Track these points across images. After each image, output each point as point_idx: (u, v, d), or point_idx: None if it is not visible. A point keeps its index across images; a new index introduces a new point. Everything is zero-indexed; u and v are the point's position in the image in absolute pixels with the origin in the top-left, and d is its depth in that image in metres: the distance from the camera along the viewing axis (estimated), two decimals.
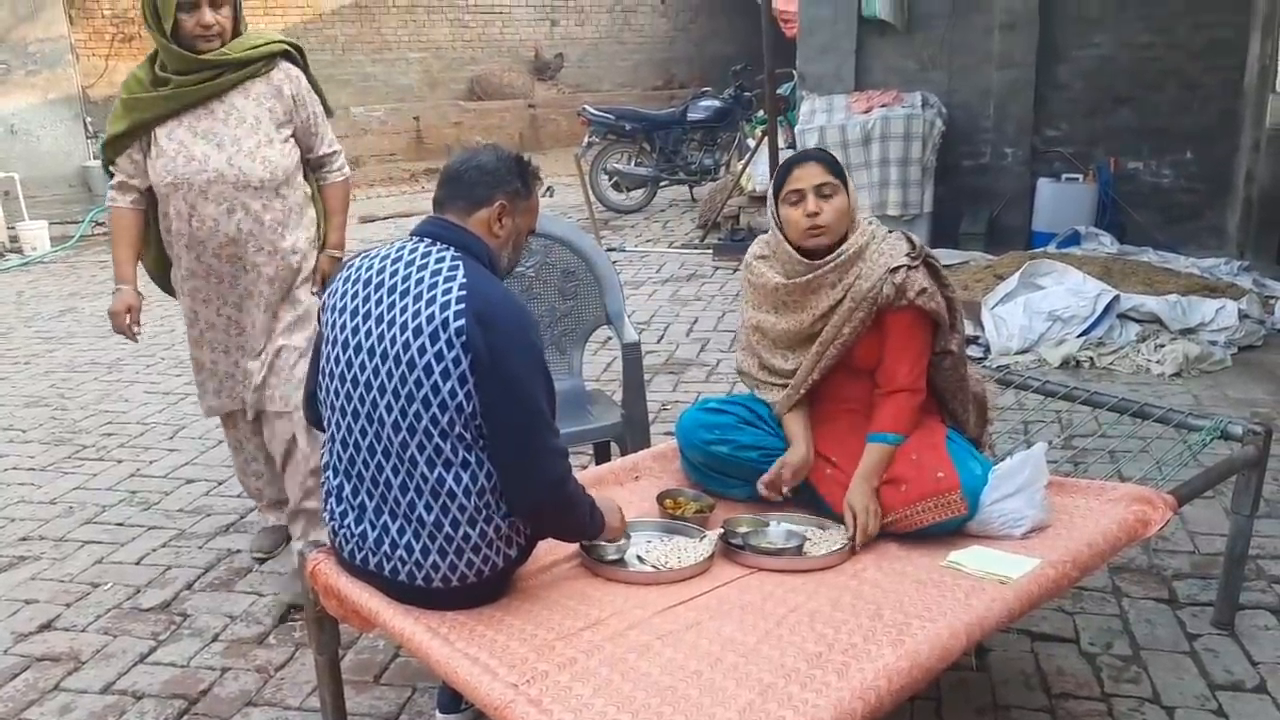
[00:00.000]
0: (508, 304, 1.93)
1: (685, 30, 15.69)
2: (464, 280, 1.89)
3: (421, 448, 1.89)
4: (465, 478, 1.90)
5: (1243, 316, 4.93)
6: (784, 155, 7.08)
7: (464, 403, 1.87)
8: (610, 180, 9.60)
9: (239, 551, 3.29)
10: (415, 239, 2.03)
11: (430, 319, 1.86)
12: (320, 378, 2.07)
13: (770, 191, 2.46)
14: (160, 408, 4.76)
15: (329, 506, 2.08)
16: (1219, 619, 2.64)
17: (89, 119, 10.62)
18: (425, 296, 1.89)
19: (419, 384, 1.87)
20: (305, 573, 2.10)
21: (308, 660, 2.60)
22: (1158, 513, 2.22)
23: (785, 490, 2.39)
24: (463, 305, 1.86)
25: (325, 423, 2.08)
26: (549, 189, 10.88)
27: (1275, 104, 6.15)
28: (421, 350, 1.86)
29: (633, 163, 9.64)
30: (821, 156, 2.42)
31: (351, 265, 2.07)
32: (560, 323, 3.41)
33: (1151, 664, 2.50)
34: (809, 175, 2.36)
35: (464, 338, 1.84)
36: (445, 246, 1.97)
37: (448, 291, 1.88)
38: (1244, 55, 6.63)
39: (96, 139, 10.68)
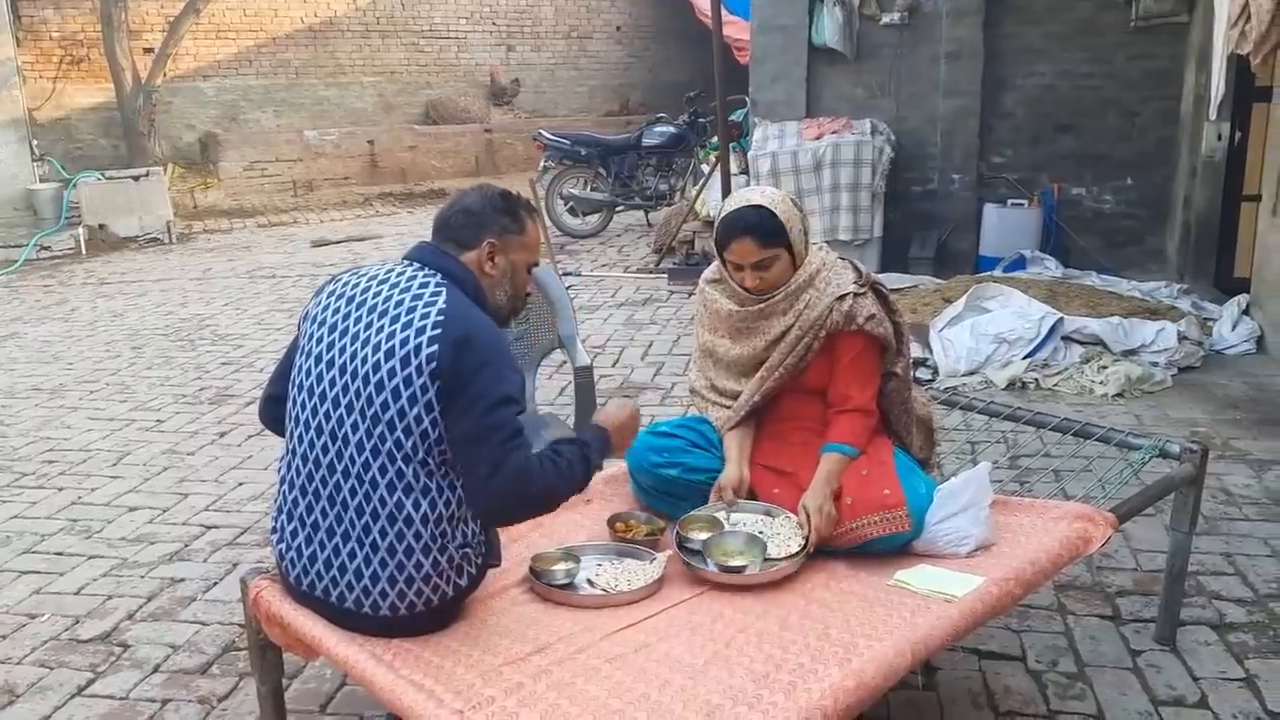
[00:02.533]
0: (484, 330, 1.92)
1: (640, 57, 15.81)
2: (443, 306, 1.90)
3: (384, 470, 1.88)
4: (424, 504, 1.89)
5: (1182, 338, 5.05)
6: (738, 183, 7.17)
7: (429, 429, 1.86)
8: (566, 205, 9.62)
9: (182, 580, 3.22)
10: (405, 262, 2.03)
11: (404, 342, 1.86)
12: (290, 388, 2.05)
13: (714, 241, 2.47)
14: (103, 434, 4.66)
15: (279, 523, 2.04)
16: (1161, 635, 2.69)
17: (35, 142, 10.44)
18: (402, 319, 1.89)
19: (385, 406, 1.86)
20: (247, 600, 2.06)
21: (252, 690, 2.54)
22: (1099, 530, 2.27)
23: (728, 506, 2.40)
24: (438, 331, 1.86)
25: (287, 434, 2.05)
26: None
27: (1209, 131, 6.34)
28: (391, 373, 1.86)
29: (588, 188, 9.68)
30: (754, 225, 2.35)
31: (339, 280, 2.07)
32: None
33: (1096, 680, 2.54)
34: (744, 252, 2.37)
35: (434, 364, 1.84)
36: (432, 272, 1.98)
37: (425, 316, 1.88)
38: (1180, 85, 6.84)
39: (43, 162, 10.51)
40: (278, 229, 11.08)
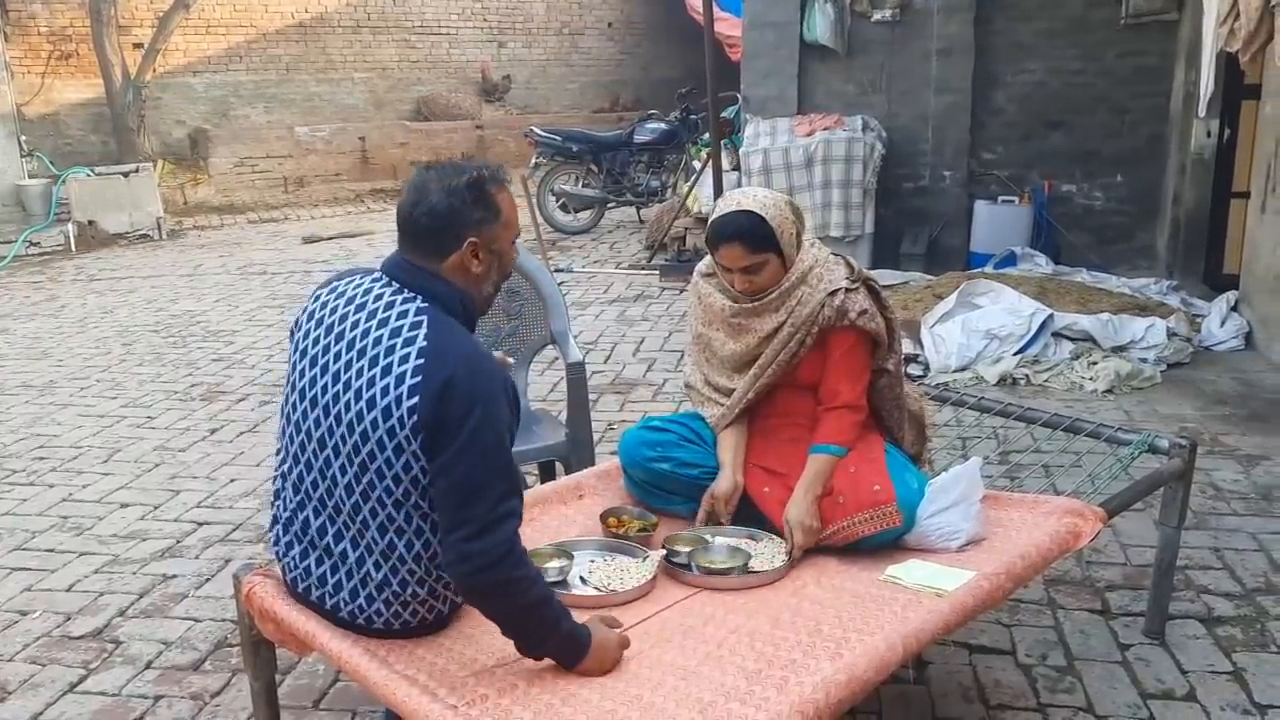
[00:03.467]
0: (471, 368, 1.76)
1: (632, 53, 15.80)
2: (423, 345, 1.76)
3: (374, 514, 1.83)
4: (417, 544, 1.85)
5: (1171, 335, 5.08)
6: (729, 180, 7.18)
7: (419, 476, 1.79)
8: (558, 201, 9.62)
9: (174, 577, 3.22)
10: (381, 278, 1.90)
11: (384, 391, 1.75)
12: (283, 403, 1.98)
13: (706, 240, 2.47)
14: (94, 430, 4.65)
15: (275, 533, 2.03)
16: (1150, 629, 2.71)
17: (24, 137, 10.38)
18: (381, 363, 1.77)
19: (372, 456, 1.79)
20: (240, 596, 2.06)
21: (245, 686, 2.55)
22: (1088, 525, 2.28)
23: (723, 520, 2.41)
24: (418, 379, 1.73)
25: (280, 450, 1.99)
26: None
27: (1199, 129, 6.37)
28: (374, 425, 1.77)
29: (580, 184, 9.67)
30: (744, 230, 2.33)
31: (319, 295, 1.96)
32: (505, 342, 3.40)
33: (1085, 674, 2.55)
34: (733, 257, 2.37)
35: (415, 418, 1.73)
36: (411, 295, 1.84)
37: (404, 360, 1.76)
38: (1170, 82, 6.87)
39: (32, 157, 10.46)
40: (268, 225, 11.05)
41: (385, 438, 1.77)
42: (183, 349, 6.08)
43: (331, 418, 1.83)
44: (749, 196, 2.40)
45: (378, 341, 1.80)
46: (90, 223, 9.94)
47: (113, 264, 9.06)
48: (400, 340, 1.78)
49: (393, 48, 13.90)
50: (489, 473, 1.75)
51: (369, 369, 1.79)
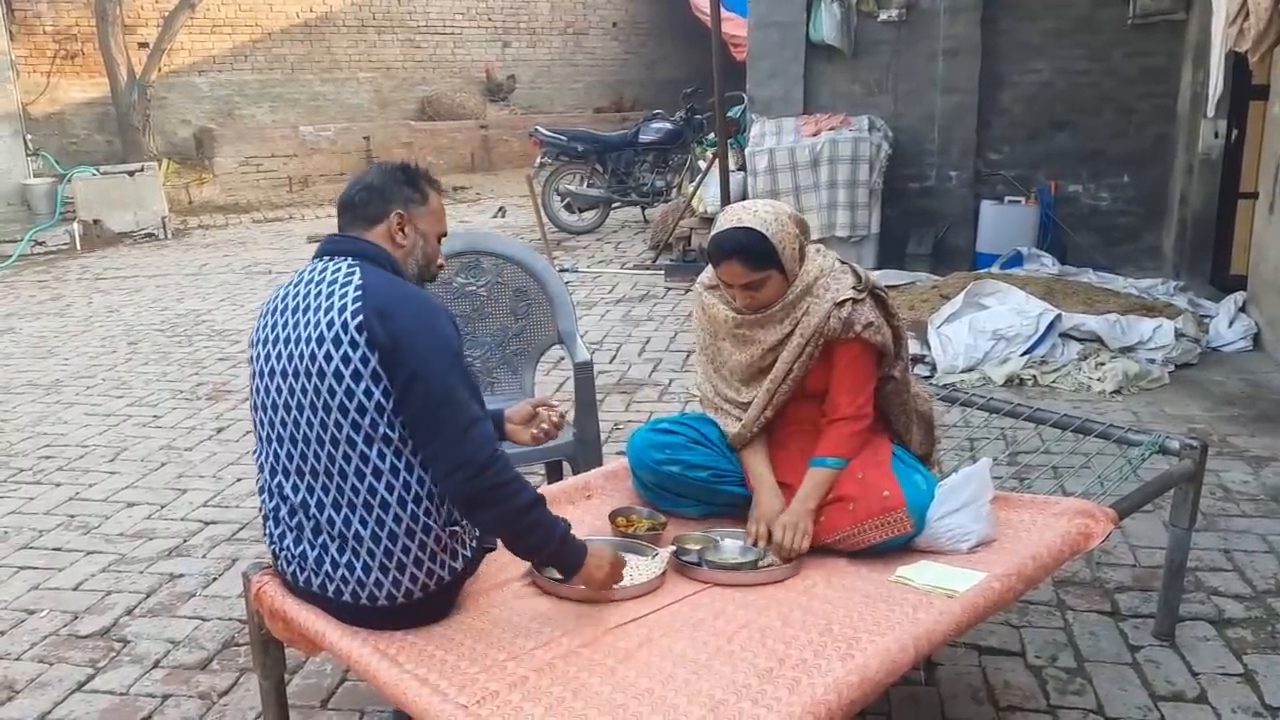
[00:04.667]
0: (407, 295, 1.93)
1: (637, 53, 15.81)
2: (360, 282, 1.90)
3: (348, 458, 1.88)
4: (398, 485, 1.88)
5: (1179, 335, 5.07)
6: (735, 180, 7.17)
7: (382, 400, 1.86)
8: (562, 201, 9.61)
9: (181, 576, 3.22)
10: (316, 259, 2.04)
11: (330, 324, 1.87)
12: (250, 410, 2.07)
13: (707, 252, 2.45)
14: (100, 430, 4.65)
15: (268, 529, 2.04)
16: (1160, 630, 2.70)
17: (29, 136, 10.40)
18: (324, 306, 1.90)
19: (332, 391, 1.86)
20: (249, 595, 2.06)
21: (252, 686, 2.54)
22: (1099, 525, 2.27)
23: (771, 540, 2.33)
24: (359, 304, 1.86)
25: (256, 450, 2.06)
26: (501, 209, 10.88)
27: (1206, 129, 6.36)
28: (328, 357, 1.86)
29: (585, 184, 9.67)
30: (744, 247, 2.30)
31: (269, 298, 2.08)
32: (512, 342, 3.40)
33: (1095, 675, 2.54)
34: (733, 274, 2.34)
35: (365, 334, 1.84)
36: (343, 258, 1.99)
37: (344, 295, 1.89)
38: (1177, 82, 6.85)
39: (37, 157, 10.47)
40: (273, 225, 11.06)
41: (341, 365, 1.85)
42: (188, 348, 6.08)
43: (290, 376, 1.92)
44: (750, 212, 2.35)
45: (318, 294, 1.93)
46: (95, 222, 9.96)
47: (118, 263, 9.07)
48: (338, 285, 1.92)
49: (397, 47, 13.91)
50: (452, 381, 1.86)
51: (314, 315, 1.90)
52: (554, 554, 1.98)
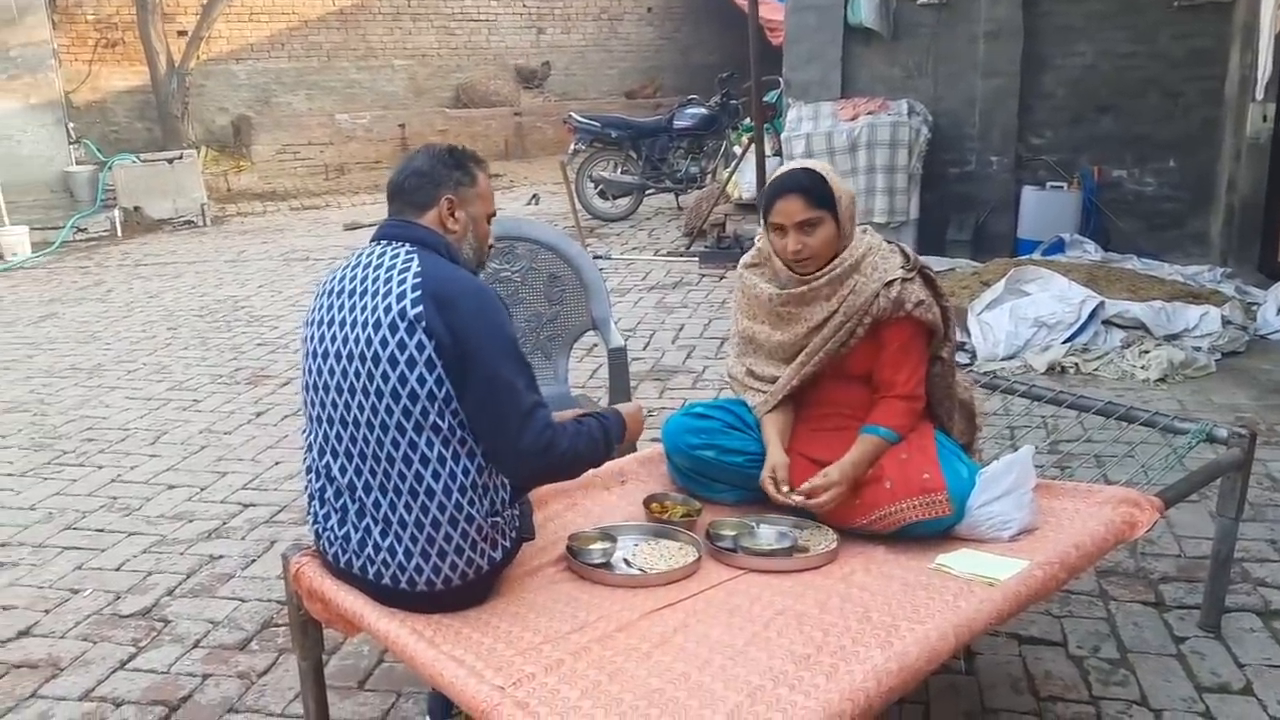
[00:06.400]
0: (465, 284, 1.94)
1: (671, 38, 15.72)
2: (418, 269, 1.92)
3: (396, 444, 1.88)
4: (444, 474, 1.89)
5: (1226, 323, 4.96)
6: (771, 164, 7.11)
7: (434, 389, 1.86)
8: (596, 188, 9.59)
9: (221, 557, 3.25)
10: (373, 243, 2.05)
11: (388, 310, 1.88)
12: (302, 390, 2.08)
13: (760, 208, 2.44)
14: (141, 413, 4.71)
15: (312, 509, 2.06)
16: (1205, 622, 2.65)
17: (71, 124, 10.55)
18: (382, 291, 1.91)
19: (385, 377, 1.87)
20: (289, 576, 2.07)
21: (291, 666, 2.57)
22: (1144, 515, 2.22)
23: (784, 489, 2.33)
24: (418, 292, 1.88)
25: (305, 430, 2.08)
26: (535, 196, 10.88)
27: (1255, 113, 6.20)
28: (384, 343, 1.87)
29: (619, 170, 9.64)
30: (804, 185, 2.31)
31: (324, 280, 2.09)
32: (546, 328, 3.40)
33: (1139, 667, 2.50)
34: (790, 211, 2.32)
35: (423, 323, 1.86)
36: (400, 243, 2.00)
37: (403, 282, 1.90)
38: (1225, 65, 6.69)
39: (79, 144, 10.63)
40: (310, 212, 11.15)
41: (396, 351, 1.87)
42: (227, 333, 6.15)
43: (344, 359, 1.93)
44: (809, 161, 2.40)
45: (375, 279, 1.94)
46: (136, 209, 10.10)
47: (158, 249, 9.19)
48: (396, 271, 1.93)
49: (432, 35, 13.95)
50: (509, 369, 1.90)
51: (372, 300, 1.92)
52: (606, 455, 2.15)
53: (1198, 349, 4.77)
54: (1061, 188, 7.00)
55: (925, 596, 1.98)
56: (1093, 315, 4.90)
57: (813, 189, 2.31)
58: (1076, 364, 4.75)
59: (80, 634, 2.83)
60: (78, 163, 10.46)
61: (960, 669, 2.48)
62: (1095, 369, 4.72)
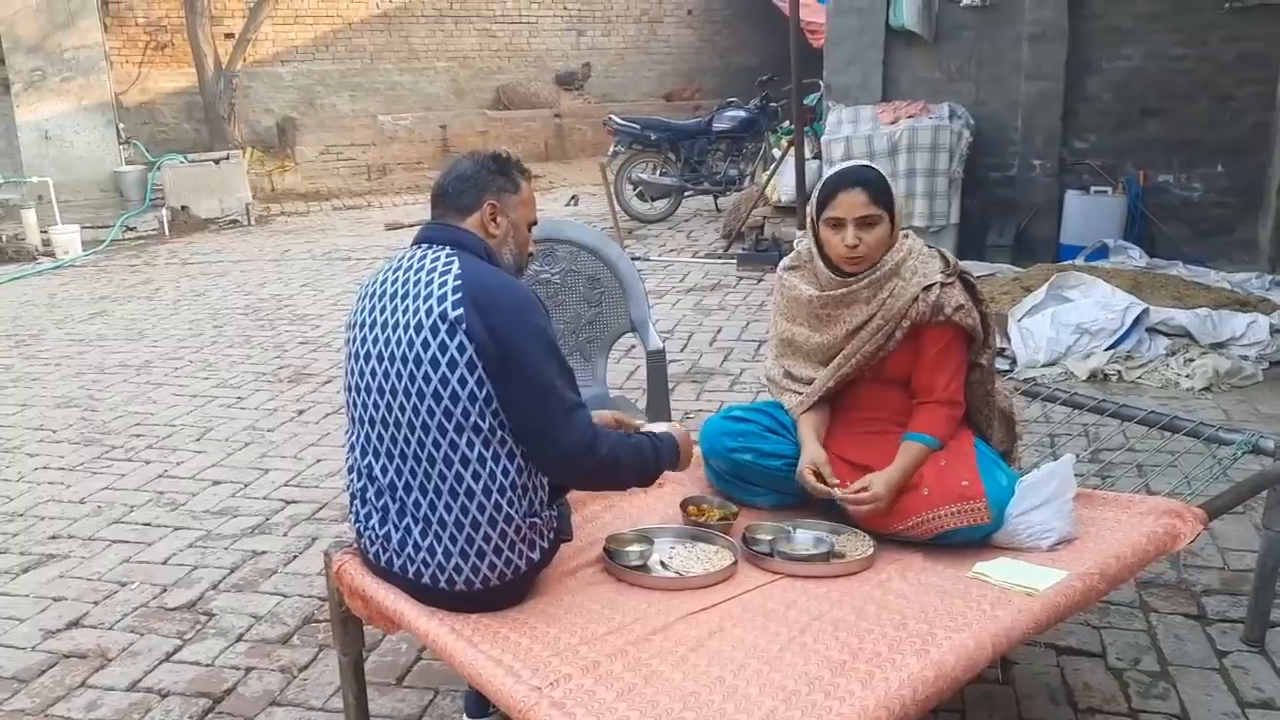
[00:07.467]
0: (505, 287, 1.96)
1: (711, 41, 15.71)
2: (459, 271, 1.94)
3: (438, 445, 1.91)
4: (484, 475, 1.91)
5: (1274, 332, 4.86)
6: (811, 168, 7.09)
7: (475, 390, 1.89)
8: (635, 190, 9.62)
9: (264, 553, 3.31)
10: (414, 246, 2.08)
11: (429, 312, 1.91)
12: (345, 391, 2.11)
13: (813, 203, 2.42)
14: (188, 410, 4.81)
15: (354, 509, 2.09)
16: (1249, 636, 2.60)
17: (121, 125, 10.77)
18: (423, 294, 1.94)
19: (427, 379, 1.89)
20: (330, 573, 2.11)
21: (331, 661, 2.61)
22: (1187, 526, 2.20)
23: (828, 481, 2.33)
24: (459, 295, 1.90)
25: (347, 430, 2.11)
26: (574, 198, 10.93)
27: None
28: (425, 345, 1.90)
29: (658, 172, 9.66)
30: (868, 180, 2.33)
31: (366, 282, 2.12)
32: (585, 329, 3.42)
33: (1180, 680, 2.47)
34: (852, 205, 2.31)
35: (464, 325, 1.88)
36: (441, 246, 2.03)
37: (444, 285, 1.92)
38: (1277, 68, 6.55)
39: (128, 145, 10.84)
40: (352, 212, 11.28)
41: (438, 353, 1.89)
42: (271, 332, 6.25)
43: (385, 360, 1.96)
44: (864, 163, 2.43)
45: (418, 282, 1.97)
46: (183, 208, 10.28)
47: (204, 248, 9.35)
48: (437, 274, 1.96)
49: (474, 37, 14.06)
50: (550, 371, 1.93)
51: (414, 303, 1.94)
52: (655, 473, 2.17)
53: (1244, 357, 4.69)
54: (1106, 192, 6.90)
55: (963, 605, 1.97)
56: (1136, 322, 4.83)
57: (877, 184, 2.33)
58: (1119, 371, 4.69)
59: (128, 626, 2.90)
60: (127, 163, 10.67)
61: (996, 678, 2.46)
62: (1138, 377, 4.66)
